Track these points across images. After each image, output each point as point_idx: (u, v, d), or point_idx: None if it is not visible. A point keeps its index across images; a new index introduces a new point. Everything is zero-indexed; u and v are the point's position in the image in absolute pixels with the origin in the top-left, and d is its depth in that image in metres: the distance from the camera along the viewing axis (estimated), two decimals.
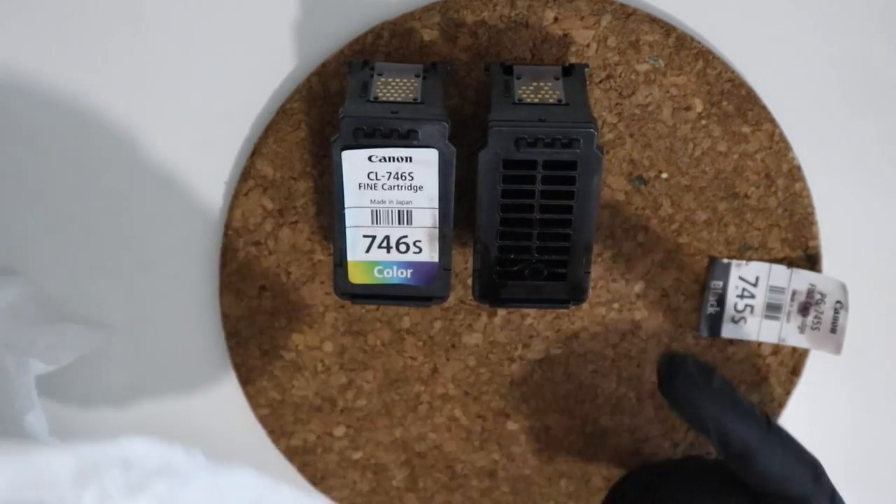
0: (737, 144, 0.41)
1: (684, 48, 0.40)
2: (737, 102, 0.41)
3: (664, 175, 0.42)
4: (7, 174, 0.43)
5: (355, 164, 0.35)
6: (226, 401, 0.47)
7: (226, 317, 0.44)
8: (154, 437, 0.30)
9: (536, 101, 0.37)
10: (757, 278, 0.43)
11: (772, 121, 0.41)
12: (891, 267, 0.45)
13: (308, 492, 0.46)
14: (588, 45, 0.40)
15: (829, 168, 0.43)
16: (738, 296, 0.43)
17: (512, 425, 0.46)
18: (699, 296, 0.44)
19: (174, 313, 0.45)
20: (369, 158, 0.35)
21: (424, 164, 0.35)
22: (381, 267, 0.37)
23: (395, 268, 0.37)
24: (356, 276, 0.37)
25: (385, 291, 0.38)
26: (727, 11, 0.40)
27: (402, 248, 0.37)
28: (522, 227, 0.37)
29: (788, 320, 0.44)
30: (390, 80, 0.37)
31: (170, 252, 0.44)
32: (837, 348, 0.44)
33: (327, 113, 0.41)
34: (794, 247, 0.43)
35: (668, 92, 0.40)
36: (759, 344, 0.45)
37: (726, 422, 0.37)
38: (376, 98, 0.36)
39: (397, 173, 0.36)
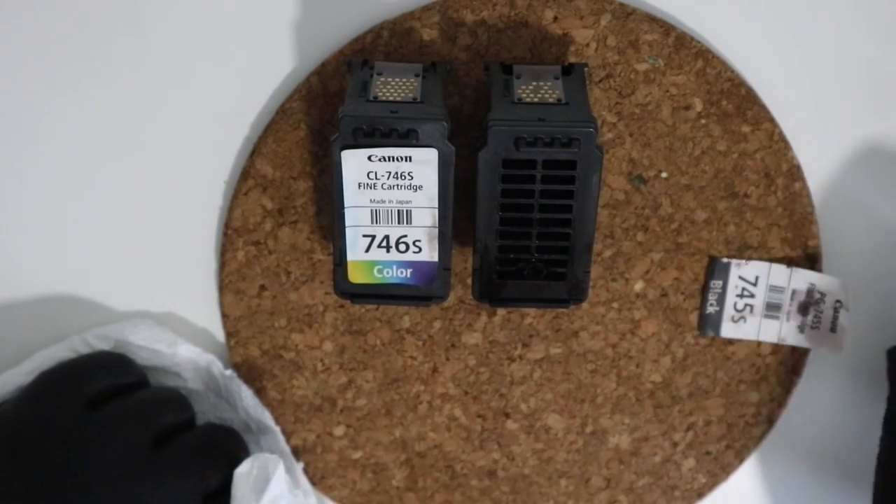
0: (736, 144, 0.41)
1: (684, 47, 0.40)
2: (736, 102, 0.41)
3: (664, 174, 0.42)
4: (7, 174, 0.43)
5: (355, 163, 0.35)
6: None
7: (226, 317, 0.44)
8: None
9: (536, 100, 0.37)
10: (756, 278, 0.43)
11: (771, 120, 0.41)
12: (891, 266, 0.45)
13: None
14: (588, 45, 0.40)
15: (829, 168, 0.43)
16: (737, 295, 0.43)
17: (512, 425, 0.46)
18: (699, 295, 0.44)
19: (174, 313, 0.45)
20: (369, 158, 0.35)
21: (424, 164, 0.35)
22: (380, 266, 0.37)
23: (394, 267, 0.37)
24: (356, 276, 0.37)
25: (385, 291, 0.38)
26: (727, 11, 0.40)
27: (402, 247, 0.37)
28: (522, 226, 0.37)
29: (788, 319, 0.44)
30: (390, 79, 0.37)
31: (170, 252, 0.44)
32: (837, 347, 0.44)
33: (327, 112, 0.41)
34: (793, 246, 0.43)
35: (667, 91, 0.40)
36: (759, 343, 0.45)
37: None
38: (376, 98, 0.36)
39: (397, 173, 0.36)
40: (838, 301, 0.43)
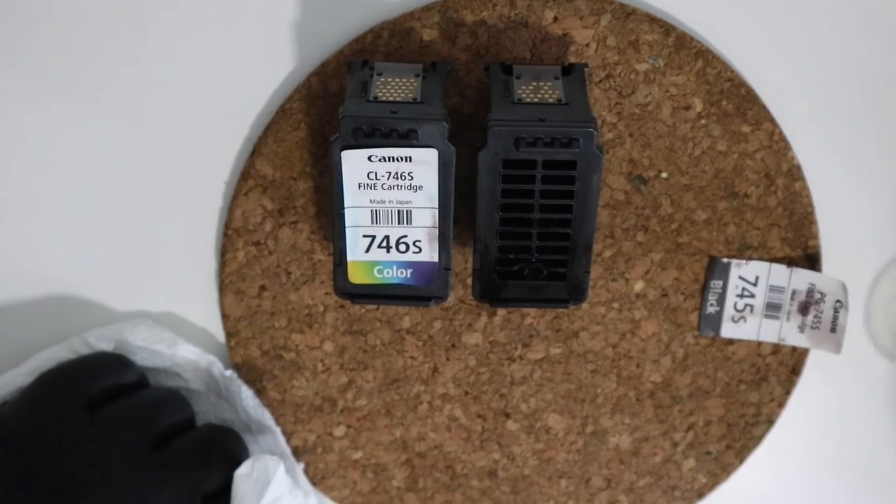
0: (736, 144, 0.41)
1: (684, 48, 0.40)
2: (736, 102, 0.41)
3: (664, 175, 0.42)
4: (7, 174, 0.43)
5: (355, 163, 0.35)
6: None
7: (226, 317, 0.44)
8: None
9: (536, 100, 0.37)
10: (757, 278, 0.43)
11: (771, 120, 0.41)
12: (891, 266, 0.45)
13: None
14: (588, 45, 0.40)
15: (829, 168, 0.43)
16: (737, 295, 0.43)
17: (512, 425, 0.46)
18: (699, 295, 0.44)
19: (174, 313, 0.45)
20: (369, 158, 0.35)
21: (424, 164, 0.35)
22: (380, 267, 0.37)
23: (394, 267, 0.37)
24: (356, 276, 0.37)
25: (385, 291, 0.38)
26: (727, 11, 0.40)
27: (402, 247, 0.37)
28: (522, 226, 0.37)
29: (788, 319, 0.44)
30: (390, 79, 0.37)
31: (170, 252, 0.44)
32: (837, 347, 0.44)
33: (327, 113, 0.41)
34: (793, 246, 0.43)
35: (667, 91, 0.40)
36: (759, 343, 0.45)
37: None
38: (376, 98, 0.36)
39: (397, 173, 0.36)
40: (838, 301, 0.43)
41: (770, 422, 0.46)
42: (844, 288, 0.43)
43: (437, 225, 0.37)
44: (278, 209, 0.42)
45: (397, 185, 0.36)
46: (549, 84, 0.37)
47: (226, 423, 0.45)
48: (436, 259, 0.37)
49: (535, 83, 0.37)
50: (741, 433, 0.46)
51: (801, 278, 0.43)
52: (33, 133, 0.42)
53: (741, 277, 0.43)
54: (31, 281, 0.44)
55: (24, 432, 0.39)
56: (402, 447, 0.47)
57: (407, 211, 0.36)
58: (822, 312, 0.43)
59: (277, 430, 0.45)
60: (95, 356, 0.43)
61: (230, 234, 0.43)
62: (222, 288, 0.44)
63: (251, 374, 0.45)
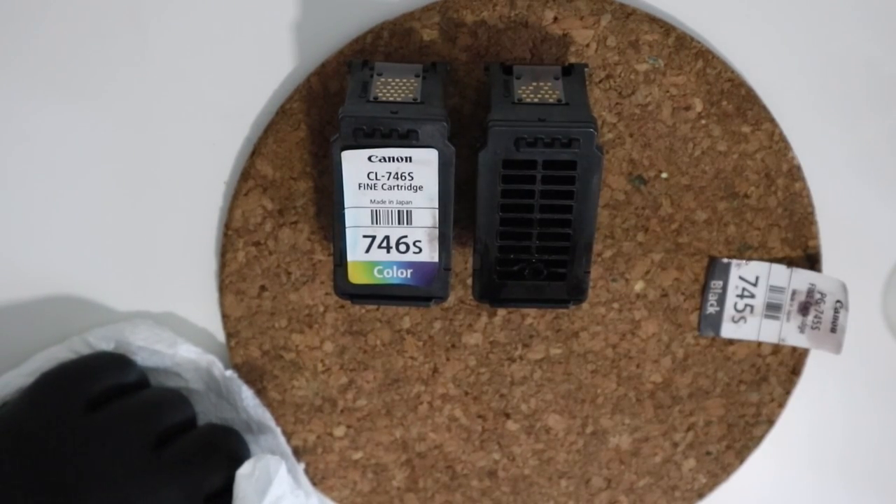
0: (736, 144, 0.41)
1: (684, 48, 0.40)
2: (736, 102, 0.41)
3: (664, 175, 0.42)
4: (7, 173, 0.43)
5: (355, 164, 0.35)
6: None
7: (226, 317, 0.44)
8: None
9: (536, 100, 0.37)
10: (757, 278, 0.43)
11: (771, 120, 0.41)
12: (891, 267, 0.45)
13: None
14: (588, 45, 0.40)
15: (829, 168, 0.43)
16: (737, 295, 0.43)
17: (512, 425, 0.46)
18: (699, 296, 0.44)
19: (174, 313, 0.45)
20: (369, 158, 0.35)
21: (424, 164, 0.35)
22: (380, 267, 0.37)
23: (394, 268, 0.37)
24: (356, 276, 0.37)
25: (385, 291, 0.38)
26: (727, 11, 0.40)
27: (402, 248, 0.37)
28: (522, 226, 0.37)
29: (788, 320, 0.44)
30: (390, 80, 0.37)
31: (170, 252, 0.44)
32: (837, 348, 0.44)
33: (327, 113, 0.41)
34: (793, 246, 0.43)
35: (667, 92, 0.40)
36: (759, 344, 0.45)
37: None
38: (376, 98, 0.36)
39: (397, 173, 0.36)
40: (838, 301, 0.43)
41: (770, 422, 0.46)
42: (844, 288, 0.43)
43: (438, 225, 0.37)
44: (278, 209, 0.42)
45: (397, 186, 0.36)
46: (549, 84, 0.37)
47: (226, 423, 0.45)
48: (436, 259, 0.37)
49: (535, 83, 0.37)
50: (741, 433, 0.46)
51: (801, 278, 0.43)
52: (33, 133, 0.42)
53: (741, 278, 0.43)
54: (31, 281, 0.44)
55: (25, 432, 0.39)
56: (402, 447, 0.47)
57: (407, 211, 0.36)
58: (822, 313, 0.43)
59: (278, 430, 0.45)
60: (96, 356, 0.43)
61: (230, 235, 0.43)
62: (222, 288, 0.44)
63: (251, 375, 0.45)
